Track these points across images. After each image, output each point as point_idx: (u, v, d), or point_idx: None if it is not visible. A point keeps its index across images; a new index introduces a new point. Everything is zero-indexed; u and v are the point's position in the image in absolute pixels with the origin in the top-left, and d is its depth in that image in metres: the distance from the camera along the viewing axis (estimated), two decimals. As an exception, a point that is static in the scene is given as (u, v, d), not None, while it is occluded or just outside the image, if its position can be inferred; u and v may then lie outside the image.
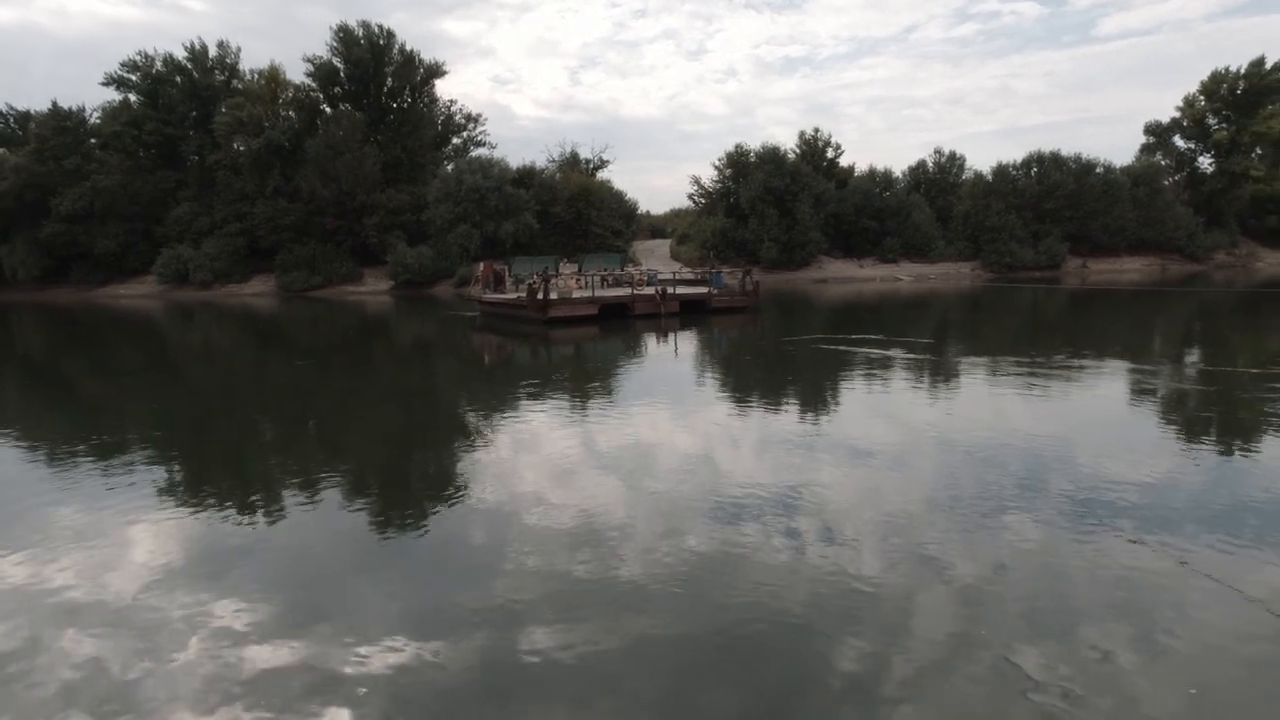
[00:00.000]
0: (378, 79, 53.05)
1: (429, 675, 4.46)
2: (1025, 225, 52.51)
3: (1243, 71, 58.20)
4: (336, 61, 52.43)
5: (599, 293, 27.29)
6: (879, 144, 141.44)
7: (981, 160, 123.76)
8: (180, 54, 55.28)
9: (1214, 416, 10.76)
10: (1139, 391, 12.56)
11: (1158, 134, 63.62)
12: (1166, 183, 58.72)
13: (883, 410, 11.37)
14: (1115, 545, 5.98)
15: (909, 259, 53.27)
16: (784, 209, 50.93)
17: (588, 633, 4.88)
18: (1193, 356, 17.13)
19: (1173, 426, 10.34)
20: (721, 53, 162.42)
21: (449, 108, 58.70)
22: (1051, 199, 53.13)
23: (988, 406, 11.46)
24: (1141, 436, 9.59)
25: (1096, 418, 10.63)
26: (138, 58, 54.51)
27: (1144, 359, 16.23)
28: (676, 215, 74.22)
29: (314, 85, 53.99)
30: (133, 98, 55.31)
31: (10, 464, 9.87)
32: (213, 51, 56.36)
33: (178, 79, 54.80)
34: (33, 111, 58.52)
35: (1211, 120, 60.21)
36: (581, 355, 19.81)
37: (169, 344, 26.89)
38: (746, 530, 6.49)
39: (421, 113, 55.23)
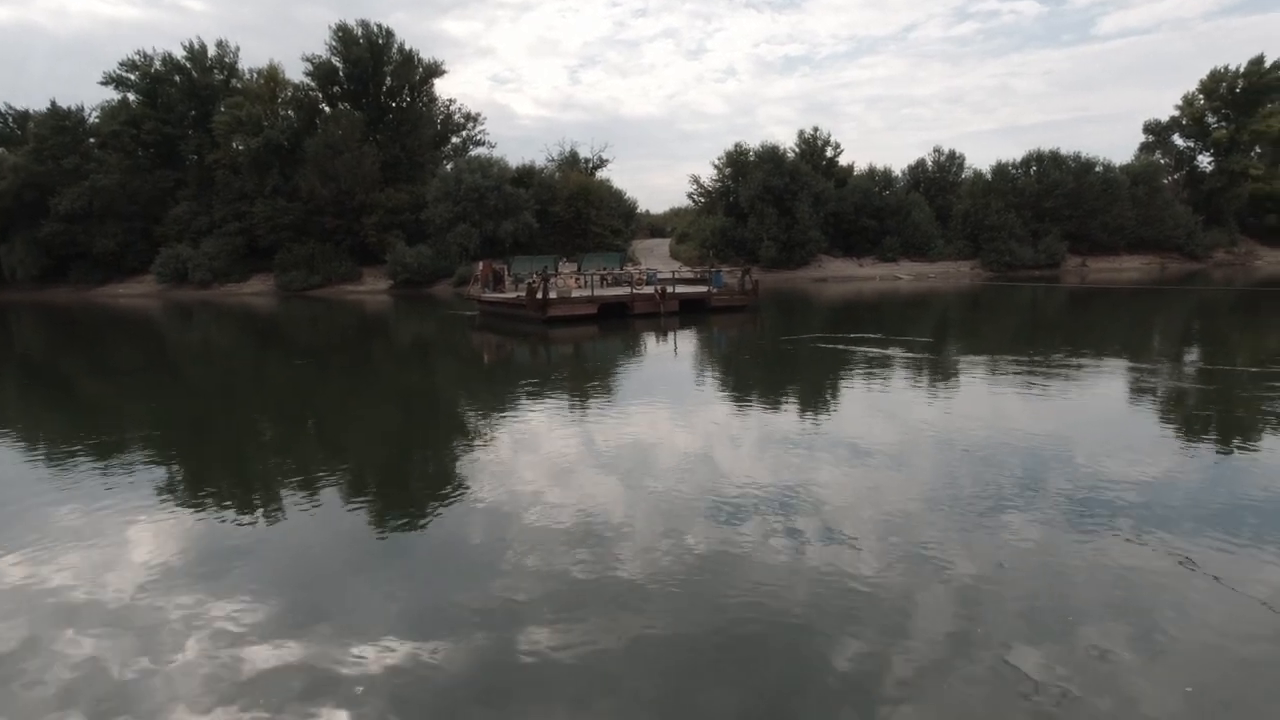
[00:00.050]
0: (377, 78, 53.05)
1: (428, 675, 4.46)
2: (1024, 224, 52.56)
3: (1242, 70, 58.26)
4: (335, 61, 52.46)
5: (598, 292, 27.26)
6: (878, 143, 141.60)
7: (981, 159, 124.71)
8: (179, 53, 55.46)
9: (1213, 415, 10.75)
10: (1138, 390, 12.56)
11: (1157, 133, 63.71)
12: (1166, 181, 58.74)
13: (882, 409, 11.37)
14: (1114, 544, 5.98)
15: (908, 258, 53.31)
16: (783, 208, 50.93)
17: (587, 632, 4.88)
18: (1192, 355, 17.13)
19: (1172, 425, 10.34)
20: (721, 52, 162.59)
21: (448, 107, 58.84)
22: (1051, 198, 53.16)
23: (987, 405, 11.46)
24: (1140, 435, 9.59)
25: (1095, 416, 10.63)
26: (136, 57, 54.63)
27: (1143, 358, 16.22)
28: (676, 214, 74.17)
29: (313, 84, 53.99)
30: (131, 97, 55.31)
31: (9, 464, 9.87)
32: (211, 51, 56.43)
33: (176, 78, 54.80)
34: (31, 111, 58.66)
35: (1210, 119, 60.29)
36: (581, 354, 19.80)
37: (168, 343, 26.87)
38: (745, 530, 6.49)
39: (420, 112, 55.22)
